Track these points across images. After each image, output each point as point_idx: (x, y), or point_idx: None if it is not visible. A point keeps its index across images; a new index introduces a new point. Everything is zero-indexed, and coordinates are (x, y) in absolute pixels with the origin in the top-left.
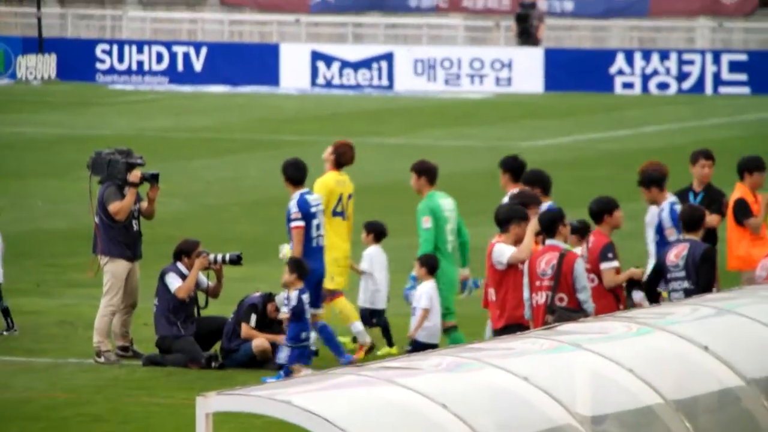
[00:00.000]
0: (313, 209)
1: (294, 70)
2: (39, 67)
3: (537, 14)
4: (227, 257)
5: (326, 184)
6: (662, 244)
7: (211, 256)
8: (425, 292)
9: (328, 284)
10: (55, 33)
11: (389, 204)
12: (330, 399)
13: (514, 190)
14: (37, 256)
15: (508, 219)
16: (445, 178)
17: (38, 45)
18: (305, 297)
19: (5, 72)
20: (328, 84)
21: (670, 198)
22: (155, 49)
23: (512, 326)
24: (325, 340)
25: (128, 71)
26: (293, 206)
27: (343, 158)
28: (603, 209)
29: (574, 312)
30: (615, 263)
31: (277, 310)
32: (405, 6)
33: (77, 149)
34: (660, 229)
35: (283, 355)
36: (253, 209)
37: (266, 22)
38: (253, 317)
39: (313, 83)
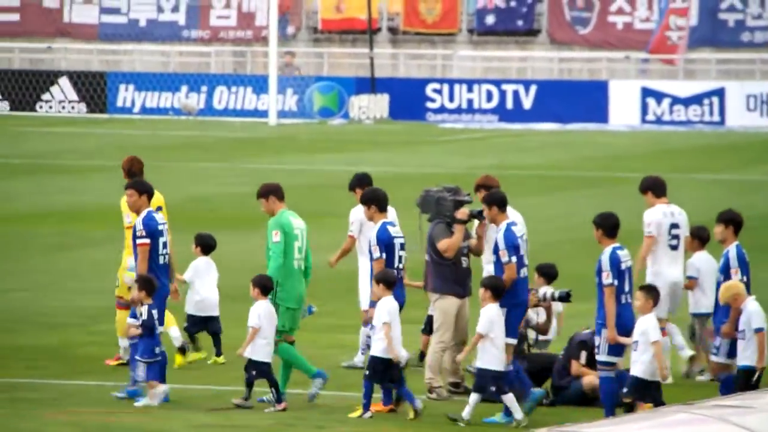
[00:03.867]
0: (159, 227)
1: (623, 107)
2: (371, 106)
3: None
4: (556, 294)
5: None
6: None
7: (541, 293)
8: (255, 312)
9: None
10: (387, 73)
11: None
12: None
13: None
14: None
15: None
16: None
17: (371, 85)
18: (155, 312)
19: (339, 112)
20: (658, 120)
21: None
22: (485, 87)
23: None
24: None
25: (458, 110)
26: (138, 223)
27: (133, 170)
28: None
29: None
30: None
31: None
32: (737, 41)
33: (408, 187)
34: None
35: (141, 373)
36: (584, 246)
37: (596, 59)
38: (584, 354)
39: (643, 120)
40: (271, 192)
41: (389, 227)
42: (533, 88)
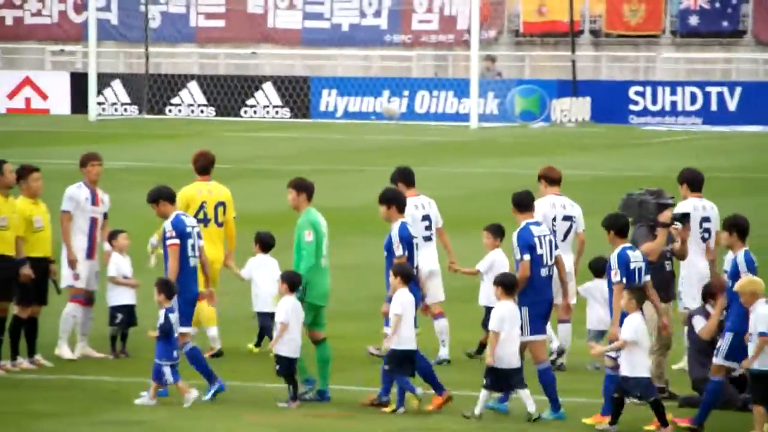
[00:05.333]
0: (188, 229)
1: None
2: (573, 109)
3: None
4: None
5: (184, 195)
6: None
7: None
8: (283, 308)
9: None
10: (589, 75)
11: None
12: None
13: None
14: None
15: None
16: None
17: (572, 88)
18: (173, 316)
19: (540, 115)
20: None
21: None
22: (688, 89)
23: None
24: (193, 363)
25: (661, 112)
26: (168, 225)
27: (197, 165)
28: None
29: None
30: None
31: None
32: None
33: (610, 191)
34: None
35: (168, 375)
36: None
37: None
38: None
39: None
40: (304, 189)
41: (409, 227)
42: (738, 90)
